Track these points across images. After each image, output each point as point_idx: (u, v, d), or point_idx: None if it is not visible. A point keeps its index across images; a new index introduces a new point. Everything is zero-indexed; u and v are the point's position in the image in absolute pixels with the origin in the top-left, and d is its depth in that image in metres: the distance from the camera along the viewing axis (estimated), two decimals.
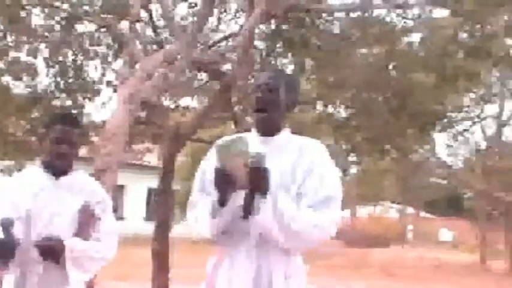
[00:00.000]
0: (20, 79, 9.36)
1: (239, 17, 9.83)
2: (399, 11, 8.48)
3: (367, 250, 24.70)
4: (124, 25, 8.18)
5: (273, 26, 8.82)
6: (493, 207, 25.26)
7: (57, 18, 8.96)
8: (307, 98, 10.55)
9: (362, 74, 8.67)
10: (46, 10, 8.83)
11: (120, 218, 22.66)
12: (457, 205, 40.47)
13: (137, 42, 7.00)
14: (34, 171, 2.89)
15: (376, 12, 8.59)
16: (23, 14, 8.25)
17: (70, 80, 9.53)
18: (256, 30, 7.77)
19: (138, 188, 24.43)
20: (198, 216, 2.35)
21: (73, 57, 9.52)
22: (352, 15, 8.65)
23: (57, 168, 2.81)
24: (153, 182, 11.63)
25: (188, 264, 12.07)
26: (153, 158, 14.64)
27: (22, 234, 2.64)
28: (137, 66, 6.06)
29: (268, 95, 2.36)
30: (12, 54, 9.05)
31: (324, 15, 8.67)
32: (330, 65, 8.70)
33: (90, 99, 9.84)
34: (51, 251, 2.66)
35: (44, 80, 9.59)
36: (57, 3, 8.69)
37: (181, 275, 10.02)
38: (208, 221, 2.27)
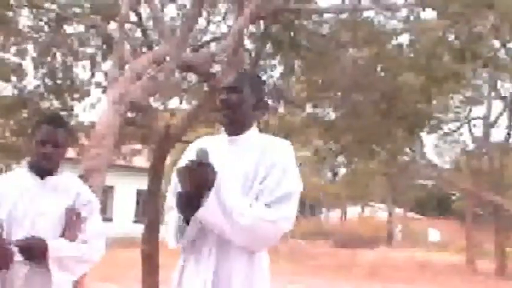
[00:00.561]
0: (8, 80, 9.30)
1: (228, 19, 9.84)
2: (388, 13, 8.52)
3: (356, 251, 24.77)
4: (113, 26, 8.16)
5: (262, 27, 8.83)
6: (480, 207, 25.46)
7: (45, 19, 8.91)
8: (296, 99, 10.56)
9: (351, 75, 8.69)
10: (34, 11, 8.77)
11: (108, 219, 22.55)
12: (445, 205, 40.76)
13: (126, 43, 6.98)
14: (20, 173, 2.86)
15: (365, 14, 8.63)
16: (10, 14, 8.19)
17: (59, 81, 9.48)
18: (246, 32, 7.77)
19: (126, 190, 24.33)
20: (167, 228, 2.39)
21: (62, 58, 9.47)
22: (341, 16, 8.68)
23: (43, 169, 2.79)
24: (142, 184, 11.58)
25: None
26: (142, 160, 14.59)
27: (5, 235, 2.62)
28: (126, 67, 6.03)
29: (231, 96, 2.39)
30: (0, 55, 8.99)
31: (313, 16, 8.70)
32: (318, 67, 8.73)
33: (79, 100, 9.79)
34: (33, 251, 2.62)
35: (32, 81, 9.55)
36: (45, 4, 8.64)
37: (171, 277, 9.98)
38: (174, 241, 2.34)
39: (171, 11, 39.36)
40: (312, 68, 8.95)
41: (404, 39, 9.05)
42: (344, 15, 8.63)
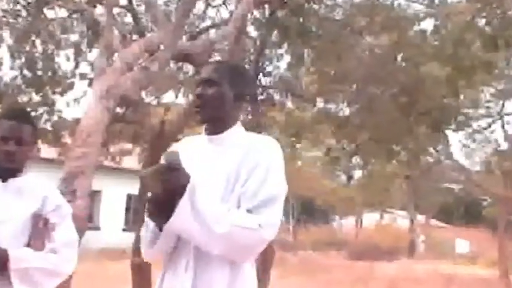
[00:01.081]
0: None
1: (229, 2, 9.87)
2: None
3: (373, 263, 24.75)
4: (100, 11, 8.19)
5: (267, 12, 8.85)
6: None
7: (23, 2, 8.95)
8: (305, 93, 10.58)
9: (367, 66, 8.70)
10: None
11: (95, 228, 22.59)
12: (474, 212, 40.69)
13: (115, 29, 7.00)
14: None
15: None
16: None
17: (38, 73, 9.51)
18: (249, 17, 7.79)
19: (115, 195, 24.37)
20: (142, 239, 2.42)
21: (42, 46, 9.50)
22: (356, 0, 8.69)
23: (4, 169, 2.77)
24: (133, 188, 11.61)
25: None
26: (133, 161, 14.62)
27: None
28: (115, 57, 6.05)
29: (208, 90, 2.40)
30: None
31: (324, 0, 8.72)
32: (331, 56, 8.73)
33: (61, 94, 9.82)
34: None
35: (9, 72, 9.58)
36: None
37: None
38: (147, 250, 2.37)
39: None
40: (324, 58, 8.96)
41: (428, 24, 9.08)
42: None
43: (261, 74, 10.79)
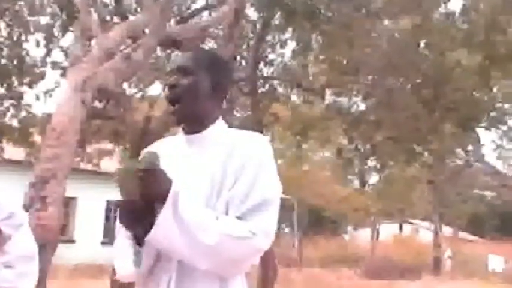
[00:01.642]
0: None
1: None
2: None
3: (392, 283, 24.75)
4: None
5: None
6: None
7: None
8: (313, 85, 10.60)
9: (385, 54, 8.71)
10: None
11: (69, 241, 22.60)
12: (510, 224, 40.67)
13: (92, 11, 7.02)
14: None
15: None
16: None
17: (3, 61, 9.52)
18: None
19: (93, 202, 24.37)
20: (116, 256, 2.41)
21: (7, 30, 9.51)
22: None
23: None
24: (113, 194, 11.56)
25: None
26: (112, 163, 14.64)
27: None
28: (93, 43, 6.07)
29: (182, 81, 2.39)
30: None
31: None
32: (343, 43, 8.75)
33: (30, 85, 9.84)
34: None
35: None
36: None
37: None
38: (132, 271, 2.33)
39: None
40: (334, 45, 8.97)
41: (455, 5, 9.09)
42: None
43: (261, 62, 10.82)
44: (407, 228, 41.37)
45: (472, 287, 26.21)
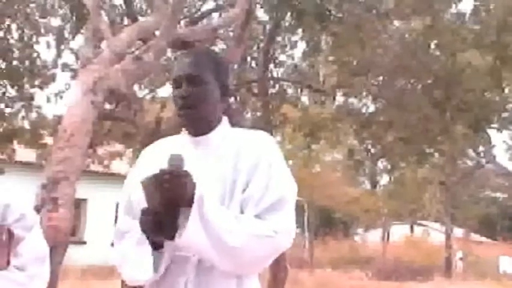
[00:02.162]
0: None
1: None
2: None
3: (403, 284, 24.70)
4: None
5: None
6: None
7: None
8: (323, 86, 10.58)
9: (395, 55, 8.69)
10: None
11: (80, 242, 22.67)
12: None
13: (103, 13, 7.04)
14: None
15: None
16: None
17: (14, 62, 9.55)
18: None
19: (103, 204, 24.39)
20: (126, 259, 2.37)
21: (18, 32, 9.55)
22: None
23: None
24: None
25: None
26: (123, 165, 14.65)
27: None
28: (103, 45, 6.08)
29: (194, 88, 2.38)
30: None
31: None
32: (353, 44, 8.73)
33: (41, 87, 9.87)
34: None
35: None
36: None
37: None
38: (150, 276, 2.29)
39: None
40: (345, 46, 8.96)
41: (466, 5, 9.06)
42: None
43: (272, 64, 10.81)
44: (418, 229, 41.24)
45: None
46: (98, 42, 6.13)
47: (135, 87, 8.68)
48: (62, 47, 9.70)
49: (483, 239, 42.08)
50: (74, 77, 9.46)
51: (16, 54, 9.55)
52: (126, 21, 8.91)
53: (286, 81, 11.38)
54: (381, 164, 14.71)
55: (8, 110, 10.06)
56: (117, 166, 14.50)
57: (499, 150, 41.04)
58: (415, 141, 10.07)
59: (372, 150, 11.81)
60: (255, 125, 10.68)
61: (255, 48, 10.67)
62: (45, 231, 3.16)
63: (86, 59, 5.62)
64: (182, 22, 8.48)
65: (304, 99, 11.90)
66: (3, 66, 9.52)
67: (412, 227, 41.25)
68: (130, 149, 12.28)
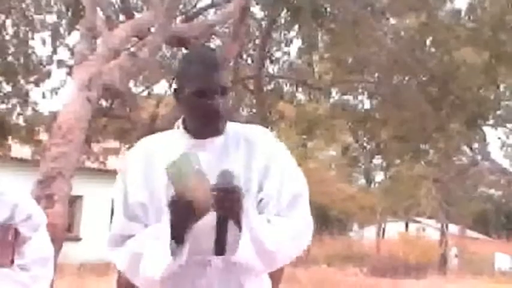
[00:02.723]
0: None
1: None
2: None
3: (398, 281, 24.71)
4: None
5: None
6: None
7: None
8: (319, 83, 10.58)
9: (391, 52, 8.70)
10: None
11: (76, 239, 22.64)
12: None
13: (98, 10, 7.02)
14: None
15: None
16: None
17: (9, 59, 9.53)
18: None
19: (99, 200, 24.35)
20: (144, 256, 2.33)
21: (13, 28, 9.52)
22: None
23: None
24: None
25: None
26: (119, 162, 14.65)
27: None
28: (99, 41, 6.07)
29: (220, 99, 2.34)
30: None
31: None
32: (349, 41, 8.74)
33: (36, 83, 9.84)
34: None
35: None
36: None
37: None
38: (165, 265, 2.25)
39: None
40: (340, 43, 8.97)
41: (461, 3, 9.07)
42: None
43: (267, 60, 10.80)
44: (413, 226, 41.27)
45: (478, 285, 26.18)
46: (93, 39, 6.11)
47: (131, 83, 8.66)
48: (58, 43, 9.67)
49: (478, 235, 42.15)
50: (69, 74, 9.45)
51: (11, 50, 9.52)
52: (121, 17, 8.90)
53: (282, 78, 11.37)
54: (376, 161, 14.70)
55: (3, 107, 10.05)
56: (113, 163, 14.49)
57: (494, 147, 41.14)
58: (410, 139, 10.09)
59: (367, 147, 11.83)
60: (250, 122, 10.68)
61: (250, 44, 10.65)
62: None
63: (81, 55, 5.61)
64: (178, 19, 8.47)
65: (300, 96, 11.90)
66: None
67: (407, 224, 41.29)
68: (126, 146, 12.26)
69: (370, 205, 33.75)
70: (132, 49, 5.81)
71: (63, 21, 9.49)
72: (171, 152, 2.29)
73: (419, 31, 8.65)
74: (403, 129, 9.80)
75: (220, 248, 2.21)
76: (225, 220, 2.19)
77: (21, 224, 2.77)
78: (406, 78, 9.51)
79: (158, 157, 2.29)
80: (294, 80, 11.21)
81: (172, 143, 2.44)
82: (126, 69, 5.63)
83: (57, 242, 4.82)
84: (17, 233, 2.73)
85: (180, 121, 2.47)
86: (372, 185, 38.21)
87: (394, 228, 38.63)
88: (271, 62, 10.94)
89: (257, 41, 10.39)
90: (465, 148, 16.37)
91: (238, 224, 2.20)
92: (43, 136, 10.40)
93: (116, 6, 9.30)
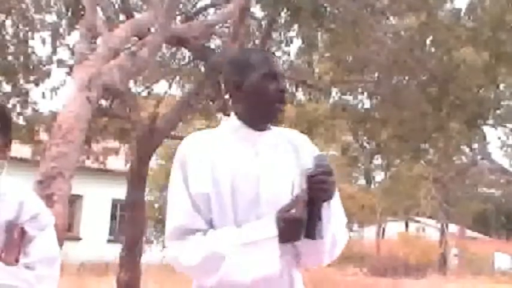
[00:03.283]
0: None
1: None
2: None
3: (398, 281, 24.72)
4: None
5: None
6: None
7: None
8: (319, 83, 10.58)
9: (391, 51, 8.70)
10: None
11: (76, 238, 22.65)
12: None
13: (98, 10, 7.03)
14: None
15: None
16: None
17: (9, 58, 9.53)
18: None
19: (99, 200, 24.39)
20: (232, 259, 2.24)
21: (13, 28, 9.52)
22: None
23: None
24: (120, 192, 11.60)
25: None
26: (119, 161, 14.65)
27: None
28: (99, 41, 6.08)
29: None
30: None
31: None
32: (348, 41, 8.73)
33: (36, 83, 9.84)
34: None
35: None
36: None
37: None
38: (266, 273, 2.24)
39: None
40: (340, 43, 8.96)
41: (461, 2, 9.07)
42: None
43: None
44: (413, 226, 41.32)
45: (478, 285, 26.17)
46: (93, 39, 6.11)
47: (131, 83, 8.66)
48: (57, 43, 9.68)
49: (478, 235, 42.18)
50: (69, 73, 9.44)
51: (11, 50, 9.52)
52: (121, 17, 8.90)
53: None
54: (376, 160, 14.71)
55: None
56: (113, 162, 14.48)
57: (494, 147, 41.14)
58: (410, 138, 10.09)
59: (367, 147, 11.83)
60: None
61: (250, 44, 10.66)
62: None
63: (81, 55, 5.61)
64: (178, 19, 8.48)
65: (300, 96, 11.89)
66: None
67: (407, 224, 41.33)
68: (126, 145, 12.26)
69: (370, 205, 33.79)
70: (132, 49, 5.80)
71: (63, 21, 9.49)
72: (230, 142, 2.35)
73: (419, 31, 8.65)
74: (403, 129, 9.79)
75: (312, 231, 2.24)
76: (320, 203, 2.25)
77: (27, 223, 2.76)
78: (406, 78, 9.50)
79: (218, 148, 2.31)
80: (294, 80, 11.22)
81: (229, 134, 2.43)
82: (126, 69, 5.63)
83: (57, 241, 4.83)
84: (23, 232, 2.73)
85: (231, 115, 2.45)
86: (372, 185, 38.20)
87: (394, 228, 38.67)
88: None
89: (257, 41, 10.39)
90: (465, 148, 16.38)
91: (318, 210, 2.27)
92: (43, 136, 10.41)
93: (116, 6, 9.31)
